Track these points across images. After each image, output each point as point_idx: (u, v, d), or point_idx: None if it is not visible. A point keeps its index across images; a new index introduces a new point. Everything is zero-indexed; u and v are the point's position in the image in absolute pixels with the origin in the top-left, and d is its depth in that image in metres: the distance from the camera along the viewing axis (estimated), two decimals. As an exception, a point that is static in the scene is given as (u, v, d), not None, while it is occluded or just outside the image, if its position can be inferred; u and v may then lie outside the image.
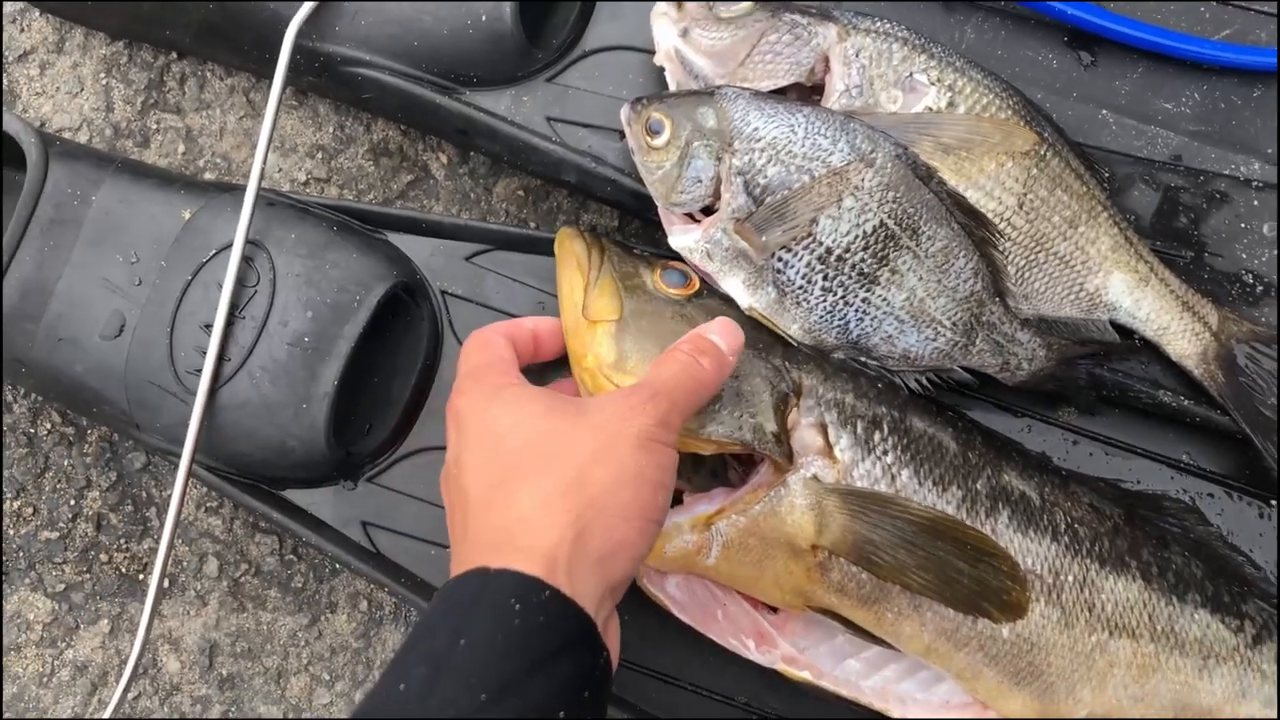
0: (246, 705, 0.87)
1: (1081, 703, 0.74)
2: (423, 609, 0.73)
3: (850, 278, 0.75)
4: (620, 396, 0.63)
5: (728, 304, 0.77)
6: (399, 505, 0.82)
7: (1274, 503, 0.82)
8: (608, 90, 0.83)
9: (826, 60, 0.78)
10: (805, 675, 0.75)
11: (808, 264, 0.75)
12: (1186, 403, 0.81)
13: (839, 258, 0.74)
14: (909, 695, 0.77)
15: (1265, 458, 0.79)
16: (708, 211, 0.76)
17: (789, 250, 0.74)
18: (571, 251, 0.77)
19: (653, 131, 0.75)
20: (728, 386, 0.70)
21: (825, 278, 0.75)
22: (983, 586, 0.68)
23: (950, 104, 0.78)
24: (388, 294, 0.80)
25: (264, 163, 0.80)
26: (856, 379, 0.75)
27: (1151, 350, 0.82)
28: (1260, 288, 0.83)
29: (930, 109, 0.77)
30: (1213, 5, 0.87)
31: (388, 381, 0.83)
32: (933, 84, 0.78)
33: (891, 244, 0.74)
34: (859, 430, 0.72)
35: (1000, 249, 0.77)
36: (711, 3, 0.79)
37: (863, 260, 0.75)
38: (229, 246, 0.80)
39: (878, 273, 0.75)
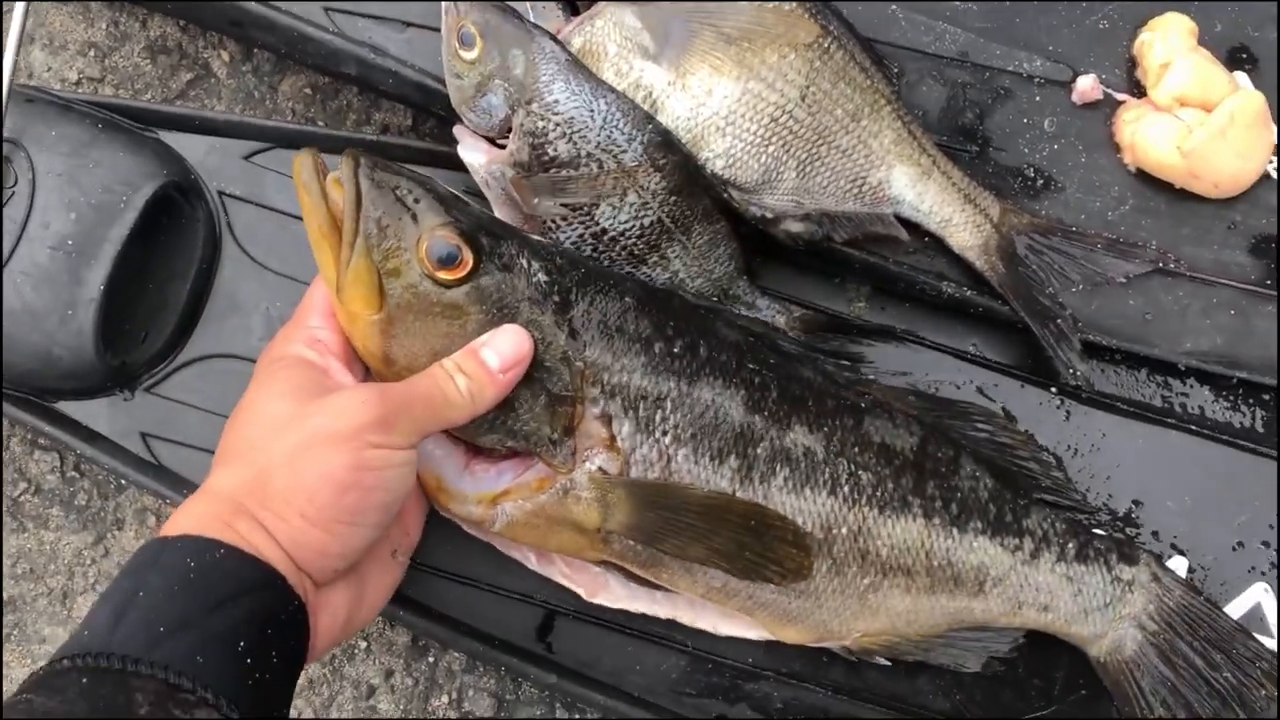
0: (30, 627, 0.84)
1: (855, 629, 0.76)
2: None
3: (619, 255, 0.76)
4: (352, 390, 0.63)
5: (502, 291, 0.67)
6: (180, 415, 0.79)
7: (1053, 389, 0.85)
8: (388, -22, 0.80)
9: None
10: (580, 591, 0.75)
11: (580, 236, 0.75)
12: (970, 293, 0.82)
13: (612, 239, 0.75)
14: (697, 606, 0.78)
15: (1044, 346, 0.81)
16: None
17: (564, 219, 0.74)
18: (313, 203, 0.64)
19: (464, 42, 0.72)
20: None
21: (594, 250, 0.76)
22: (766, 557, 0.69)
23: None
24: (157, 194, 0.77)
25: (16, 53, 0.75)
26: (650, 348, 0.70)
27: (937, 244, 0.84)
28: (1040, 181, 0.85)
29: None
30: (1001, -98, 0.88)
31: (163, 287, 0.80)
32: None
33: (665, 237, 0.76)
34: (640, 414, 0.69)
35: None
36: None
37: (634, 245, 0.75)
38: (-17, 146, 0.75)
39: (646, 256, 0.76)
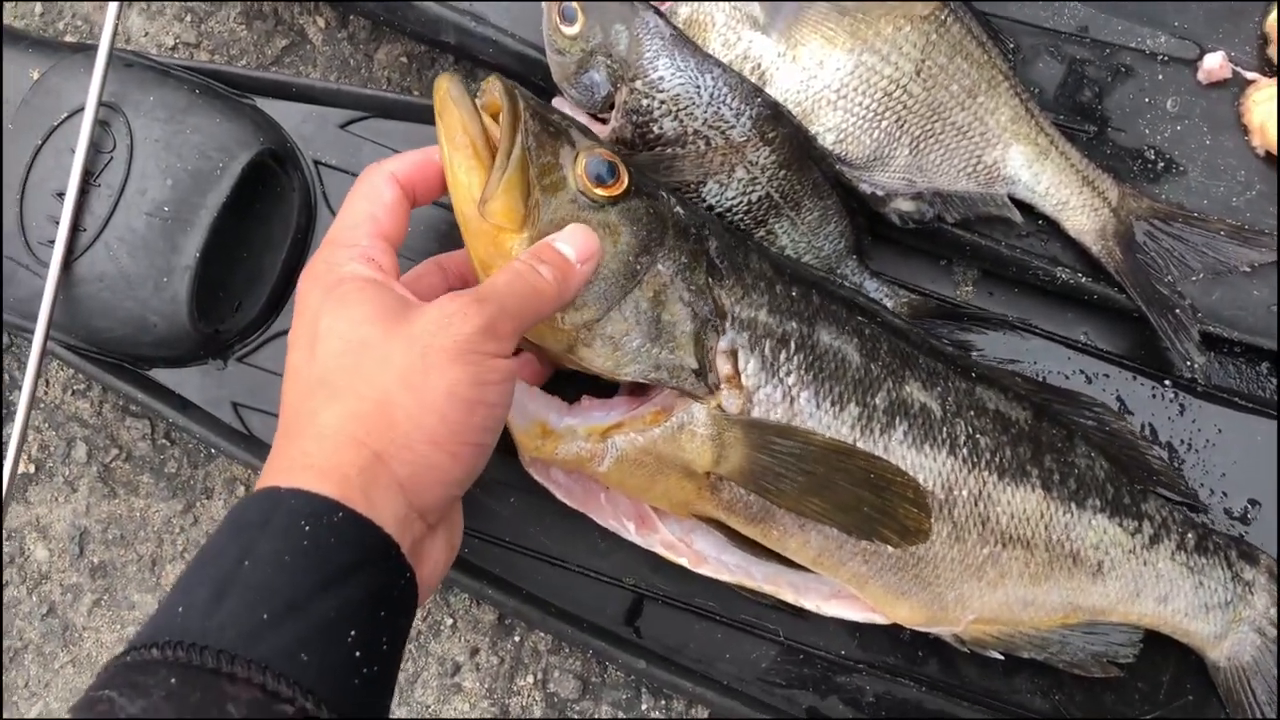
0: (120, 593, 0.84)
1: (970, 609, 0.73)
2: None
3: (737, 228, 0.73)
4: (442, 302, 0.58)
5: (652, 216, 0.66)
6: (272, 385, 0.78)
7: (1167, 382, 0.81)
8: (491, -55, 0.78)
9: None
10: (683, 561, 0.73)
11: None
12: (1084, 280, 0.79)
13: (719, 215, 0.72)
14: (801, 584, 0.76)
15: (1160, 336, 0.78)
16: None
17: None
18: (465, 116, 0.63)
19: (566, 17, 0.70)
20: (645, 316, 0.65)
21: (720, 221, 0.73)
22: (885, 514, 0.65)
23: None
24: (253, 161, 0.75)
25: (118, 17, 0.74)
26: (772, 288, 0.69)
27: (1052, 228, 0.80)
28: (1161, 164, 0.81)
29: None
30: None
31: (258, 256, 0.79)
32: None
33: (773, 212, 0.73)
34: (766, 352, 0.68)
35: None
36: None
37: (741, 220, 0.73)
38: (83, 110, 0.75)
39: (753, 231, 0.74)
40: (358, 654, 0.50)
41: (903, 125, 0.75)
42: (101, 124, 0.75)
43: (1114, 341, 0.82)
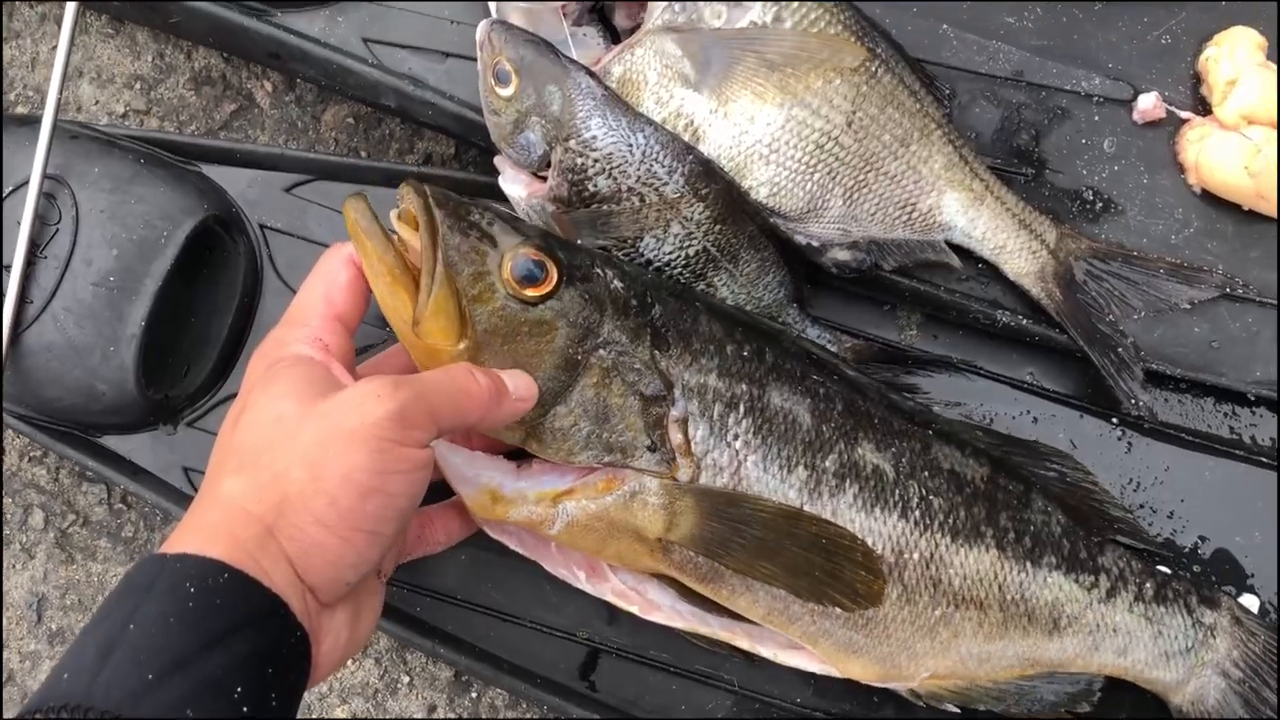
0: (78, 660, 0.84)
1: (923, 667, 0.73)
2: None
3: (686, 284, 0.74)
4: (363, 383, 0.57)
5: (588, 302, 0.66)
6: (222, 449, 0.79)
7: (1114, 420, 0.81)
8: (428, 9, 0.79)
9: None
10: (634, 609, 0.73)
11: None
12: (1025, 322, 0.80)
13: (657, 269, 0.73)
14: (756, 632, 0.75)
15: (1105, 376, 0.78)
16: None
17: (606, 250, 0.72)
18: (379, 247, 0.62)
19: (500, 79, 0.71)
20: (591, 404, 0.65)
21: (669, 279, 0.74)
22: (835, 578, 0.66)
23: (777, 18, 0.74)
24: (197, 229, 0.76)
25: (60, 93, 0.75)
26: (722, 349, 0.69)
27: (992, 271, 0.81)
28: (1100, 204, 0.82)
29: (756, 24, 0.74)
30: (1056, -83, 0.85)
31: (206, 321, 0.80)
32: None
33: (711, 265, 0.74)
34: (715, 416, 0.68)
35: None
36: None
37: (680, 274, 0.74)
38: (28, 183, 0.76)
39: (693, 284, 0.74)
40: (245, 709, 0.50)
41: (835, 177, 0.76)
42: (47, 196, 0.76)
43: (1060, 381, 0.83)
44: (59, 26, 0.89)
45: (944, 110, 0.79)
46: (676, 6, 0.74)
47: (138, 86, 0.89)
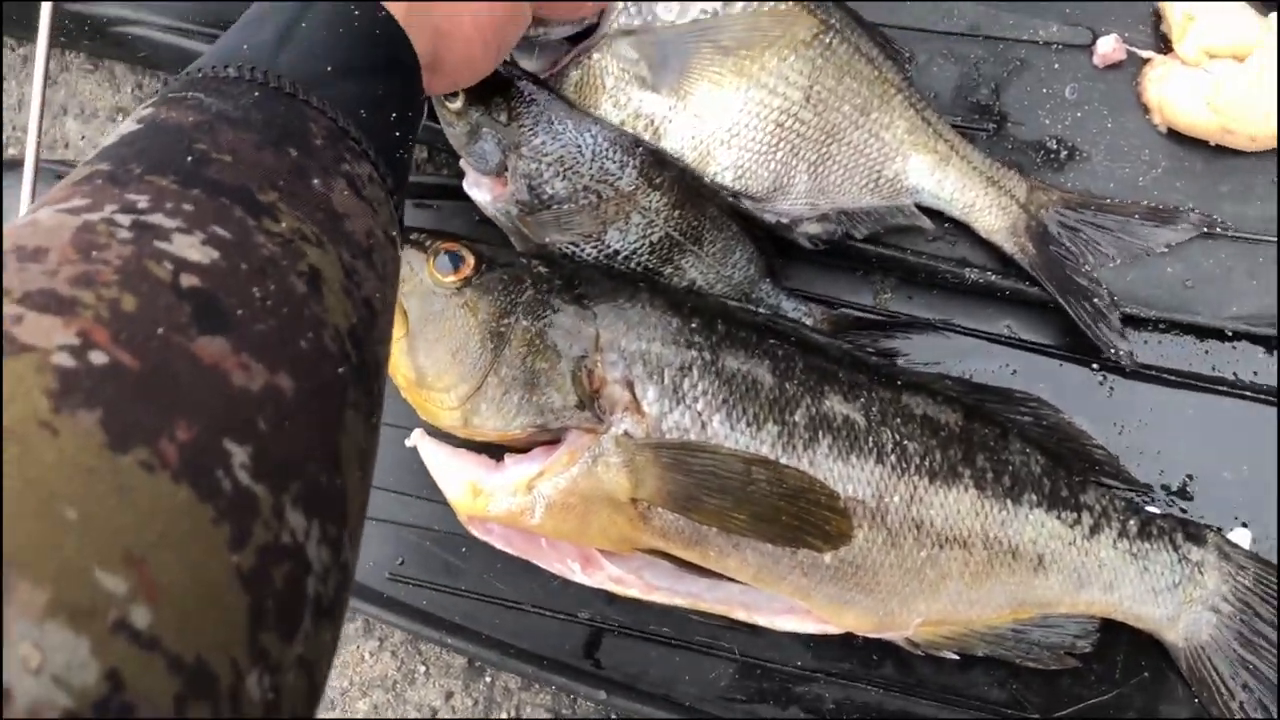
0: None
1: (915, 612, 0.75)
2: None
3: (635, 272, 0.76)
4: None
5: (508, 281, 0.73)
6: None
7: (1095, 365, 0.82)
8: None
9: None
10: (634, 592, 0.76)
11: (593, 258, 0.75)
12: (994, 277, 0.80)
13: (625, 258, 0.75)
14: (752, 602, 0.78)
15: (1081, 327, 0.79)
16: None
17: (577, 246, 0.75)
18: None
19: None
20: (519, 370, 0.70)
21: (611, 269, 0.76)
22: (803, 521, 0.68)
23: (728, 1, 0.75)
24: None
25: (39, 134, 0.78)
26: (667, 321, 0.73)
27: (961, 229, 0.81)
28: (1064, 153, 0.82)
29: (707, 13, 0.75)
30: None
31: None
32: None
33: (676, 249, 0.76)
34: (666, 380, 0.71)
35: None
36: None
37: (648, 260, 0.76)
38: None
39: (661, 268, 0.76)
40: (397, 134, 0.52)
41: (798, 153, 0.77)
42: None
43: (1038, 331, 0.83)
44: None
45: (903, 74, 0.79)
46: (632, 9, 0.74)
47: (120, 118, 0.92)
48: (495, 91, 0.71)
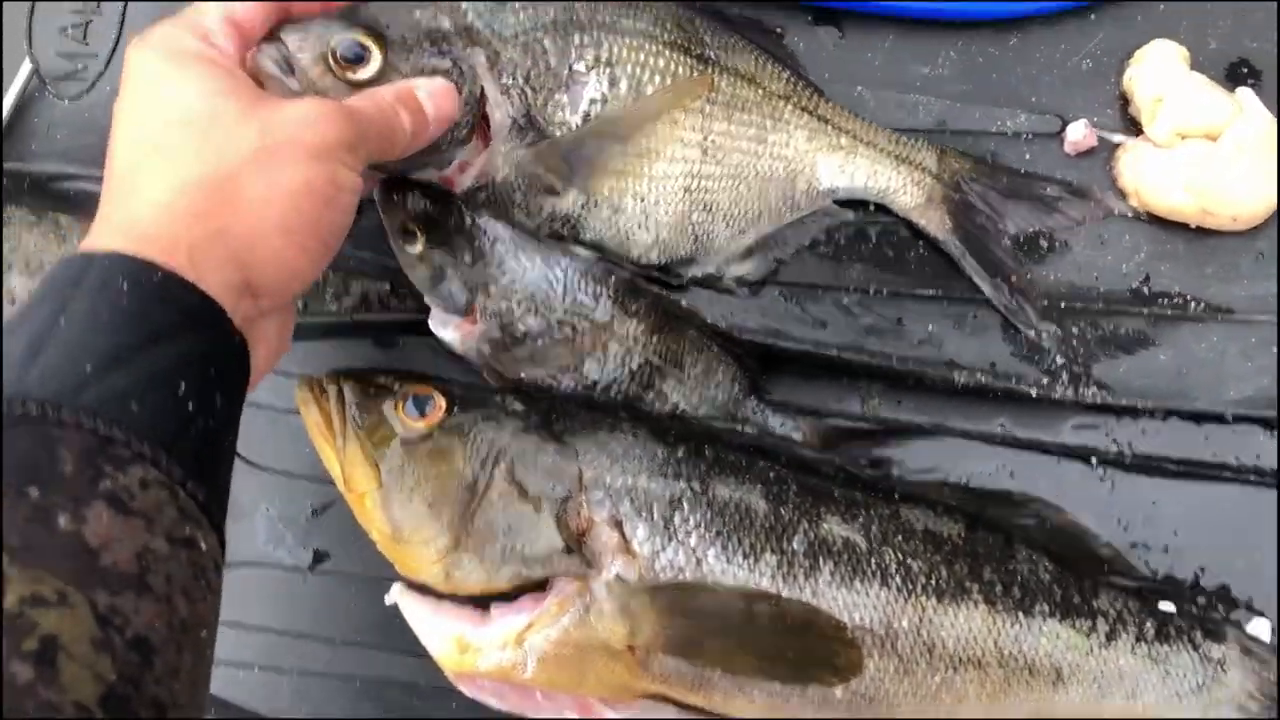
0: None
1: None
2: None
3: (615, 399, 0.74)
4: (310, 103, 0.57)
5: (481, 421, 0.70)
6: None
7: (1093, 460, 0.79)
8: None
9: (482, 96, 0.69)
10: (635, 737, 0.72)
11: (571, 389, 0.73)
12: (983, 378, 0.78)
13: (604, 387, 0.73)
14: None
15: (1000, 309, 0.78)
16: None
17: (553, 378, 0.72)
18: (312, 416, 0.70)
19: (406, 238, 0.70)
20: (498, 520, 0.67)
21: (590, 400, 0.74)
22: (810, 656, 0.65)
23: (613, 81, 0.72)
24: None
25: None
26: (652, 452, 0.70)
27: (951, 329, 0.79)
28: (1045, 244, 0.80)
29: (594, 100, 0.71)
30: (957, -42, 0.83)
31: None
32: (591, 68, 0.71)
33: (657, 374, 0.73)
34: (655, 516, 0.68)
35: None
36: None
37: (629, 388, 0.73)
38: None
39: (643, 395, 0.74)
40: (190, 406, 0.48)
41: (710, 208, 0.75)
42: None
43: (1033, 427, 0.80)
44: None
45: (782, 70, 0.77)
46: (521, 121, 0.70)
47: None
48: (456, 232, 0.69)
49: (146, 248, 0.50)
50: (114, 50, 0.74)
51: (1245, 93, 0.80)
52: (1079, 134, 0.80)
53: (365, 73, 0.64)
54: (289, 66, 0.62)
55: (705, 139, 0.74)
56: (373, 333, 0.83)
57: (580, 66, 0.71)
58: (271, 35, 0.62)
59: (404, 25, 0.66)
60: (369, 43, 0.64)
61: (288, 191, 0.54)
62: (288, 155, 0.54)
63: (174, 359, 0.48)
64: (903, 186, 0.78)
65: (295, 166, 0.54)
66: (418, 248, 0.69)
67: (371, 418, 0.70)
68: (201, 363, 0.49)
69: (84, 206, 0.80)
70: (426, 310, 0.75)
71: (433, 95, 0.64)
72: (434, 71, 0.66)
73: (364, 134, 0.58)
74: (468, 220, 0.69)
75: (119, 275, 0.48)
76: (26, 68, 0.74)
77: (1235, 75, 0.82)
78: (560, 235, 0.73)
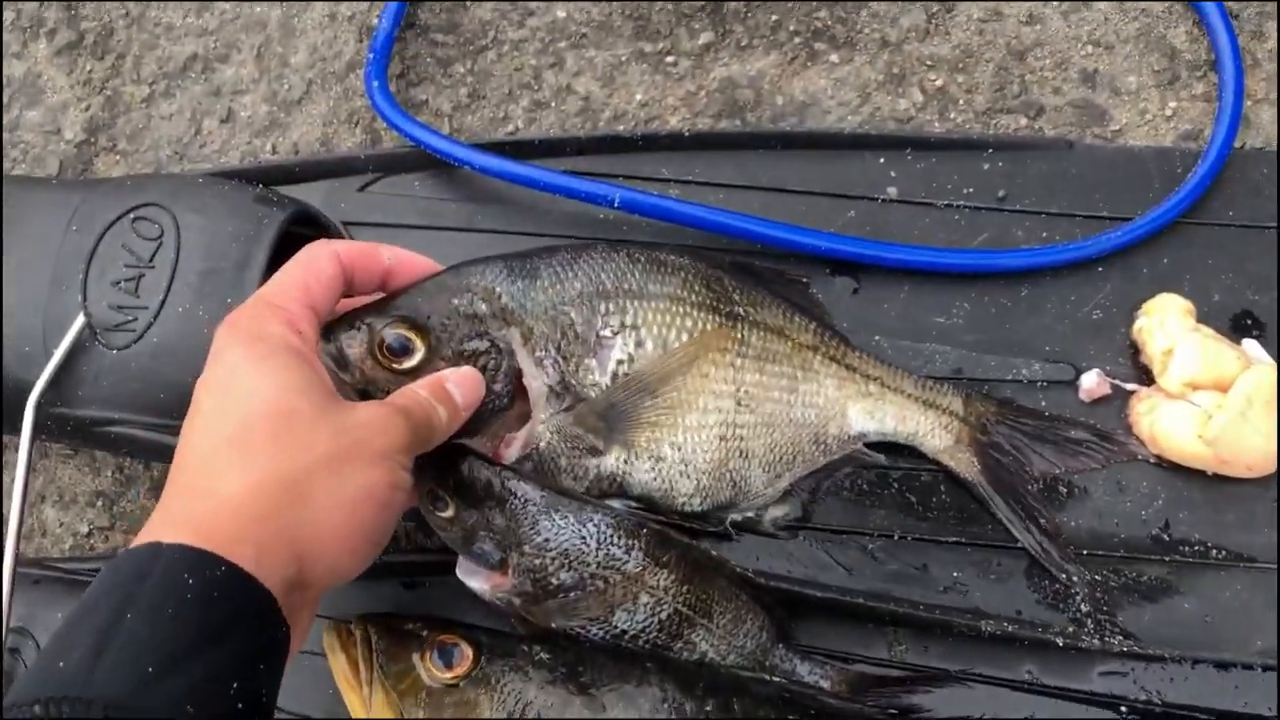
0: None
1: None
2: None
3: (643, 649, 0.74)
4: (375, 408, 0.61)
5: (508, 673, 0.71)
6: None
7: (1123, 709, 0.79)
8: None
9: (517, 373, 0.72)
10: None
11: (600, 638, 0.73)
12: (1010, 627, 0.78)
13: (633, 637, 0.73)
14: None
15: (1030, 549, 0.79)
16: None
17: (583, 628, 0.73)
18: (339, 663, 0.72)
19: (436, 505, 0.71)
20: None
21: (618, 648, 0.73)
22: None
23: (639, 343, 0.75)
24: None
25: (18, 544, 0.76)
26: (680, 707, 0.69)
27: (976, 578, 0.80)
28: (1065, 491, 0.82)
29: (621, 360, 0.74)
30: (966, 212, 0.88)
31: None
32: (616, 332, 0.75)
33: (686, 624, 0.73)
34: None
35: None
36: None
37: (657, 637, 0.73)
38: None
39: (671, 644, 0.74)
40: (240, 706, 0.50)
41: (746, 454, 0.77)
42: (12, 651, 0.76)
43: (1060, 674, 0.80)
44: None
45: (811, 321, 0.80)
46: (558, 389, 0.74)
47: (100, 504, 0.90)
48: (488, 495, 0.70)
49: (215, 540, 0.52)
50: (162, 304, 0.77)
51: (1251, 344, 0.83)
52: (1092, 382, 0.83)
53: (410, 362, 0.69)
54: (344, 360, 0.67)
55: (738, 390, 0.77)
56: (397, 574, 0.84)
57: (606, 332, 0.74)
58: (327, 331, 0.68)
59: (443, 313, 0.70)
60: (412, 335, 0.69)
61: (352, 498, 0.57)
62: (356, 459, 0.58)
63: (229, 658, 0.50)
64: (931, 430, 0.80)
65: (362, 471, 0.58)
66: (448, 512, 0.70)
67: (398, 666, 0.71)
68: (252, 660, 0.51)
69: (121, 447, 0.82)
70: (451, 551, 0.76)
71: (460, 385, 0.68)
72: (473, 353, 0.70)
73: (416, 433, 0.63)
74: (497, 485, 0.70)
75: (185, 570, 0.51)
76: (80, 320, 0.77)
77: (1240, 326, 0.85)
78: (608, 494, 0.75)
